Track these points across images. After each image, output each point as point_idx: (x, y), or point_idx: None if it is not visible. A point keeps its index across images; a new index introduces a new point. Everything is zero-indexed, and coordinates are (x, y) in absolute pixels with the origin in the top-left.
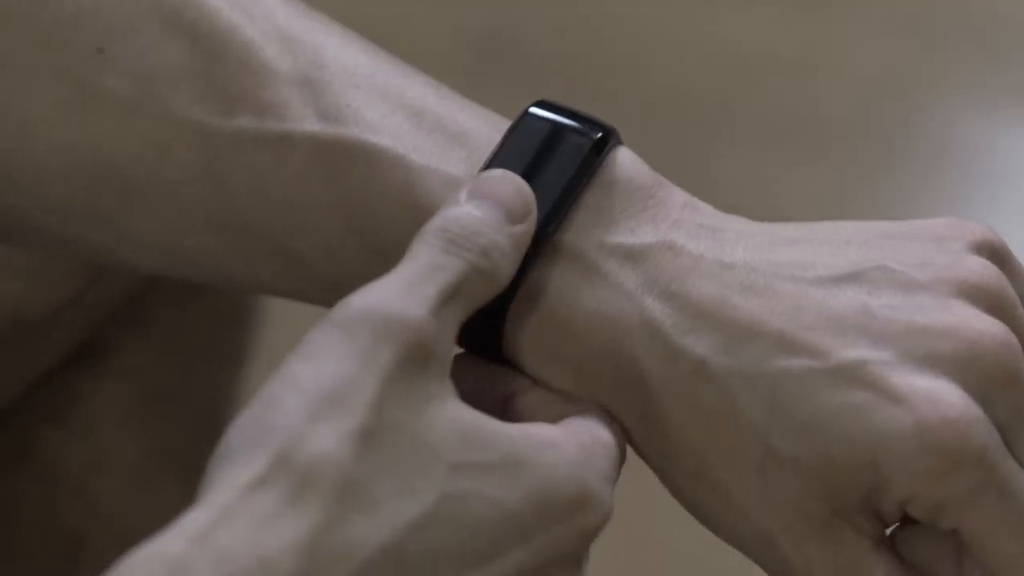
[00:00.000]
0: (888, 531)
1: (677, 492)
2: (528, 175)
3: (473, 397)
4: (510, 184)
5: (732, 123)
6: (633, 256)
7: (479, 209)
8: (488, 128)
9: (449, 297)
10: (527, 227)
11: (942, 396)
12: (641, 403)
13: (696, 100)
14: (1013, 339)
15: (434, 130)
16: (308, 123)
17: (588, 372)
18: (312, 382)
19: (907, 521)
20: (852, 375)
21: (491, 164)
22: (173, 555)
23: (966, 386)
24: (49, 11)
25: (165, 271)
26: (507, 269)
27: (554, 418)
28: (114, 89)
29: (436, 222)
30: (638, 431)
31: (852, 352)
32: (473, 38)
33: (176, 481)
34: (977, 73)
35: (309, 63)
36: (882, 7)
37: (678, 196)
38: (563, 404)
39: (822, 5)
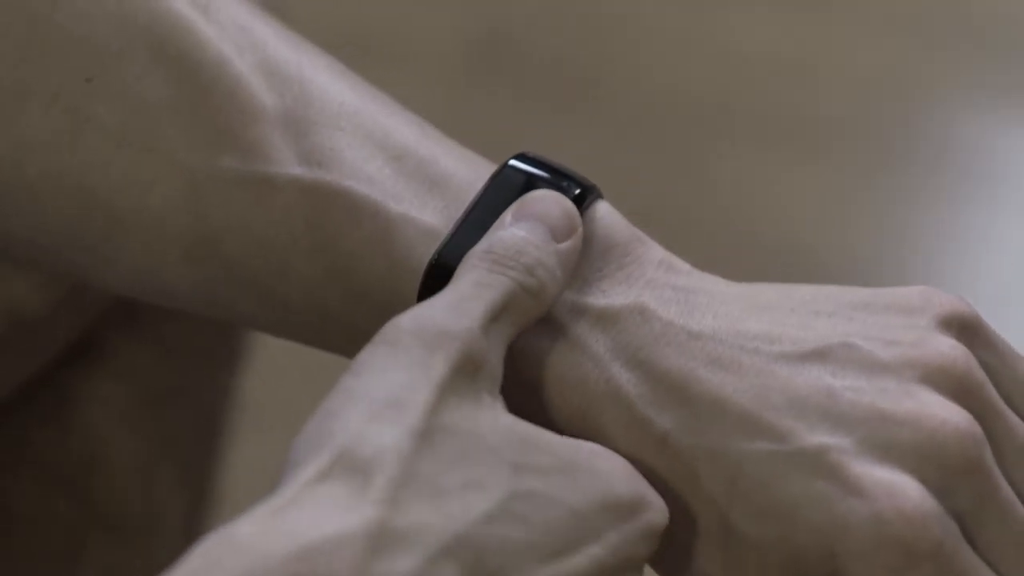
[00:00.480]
0: None
1: (652, 561)
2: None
3: None
4: (554, 203)
5: (732, 123)
6: (603, 319)
7: (523, 229)
8: (470, 173)
9: (496, 314)
10: (573, 243)
11: (900, 490)
12: None
13: (696, 100)
14: (975, 428)
15: (414, 175)
16: (290, 166)
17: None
18: (367, 391)
19: None
20: (813, 462)
21: (467, 218)
22: (246, 535)
23: (925, 477)
24: (39, 36)
25: (148, 299)
26: (552, 287)
27: None
28: (103, 119)
29: (481, 245)
30: None
31: (813, 438)
32: (472, 38)
33: (174, 481)
34: (977, 73)
35: (295, 100)
36: (882, 7)
37: (654, 253)
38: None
39: (822, 5)
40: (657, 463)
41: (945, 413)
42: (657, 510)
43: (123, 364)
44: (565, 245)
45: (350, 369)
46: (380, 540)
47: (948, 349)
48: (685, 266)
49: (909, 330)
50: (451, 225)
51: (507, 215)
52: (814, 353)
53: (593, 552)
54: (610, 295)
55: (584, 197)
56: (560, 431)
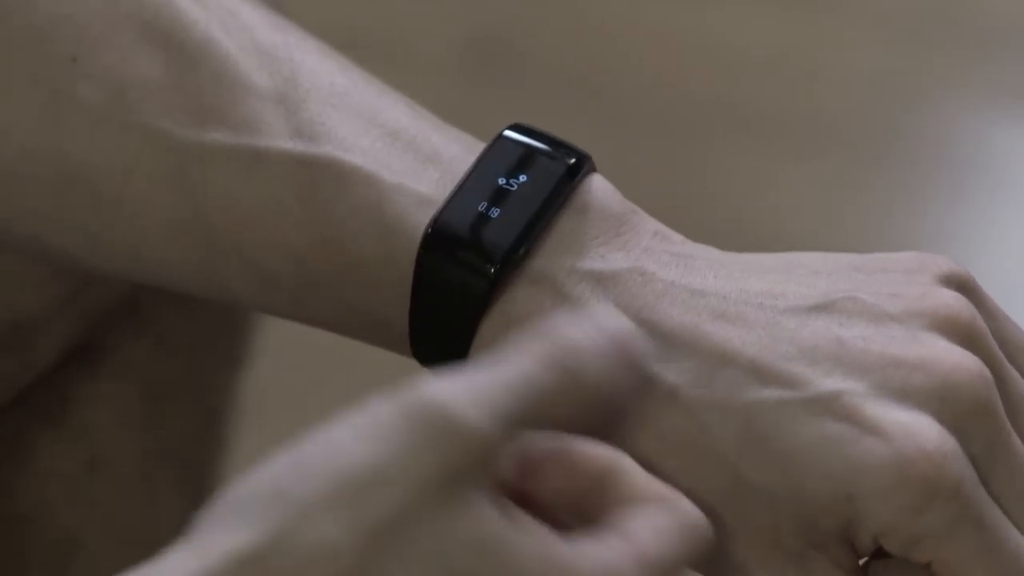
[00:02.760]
0: (861, 562)
1: None
2: (499, 198)
3: (554, 496)
4: (624, 328)
5: (732, 123)
6: (604, 281)
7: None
8: (462, 149)
9: (529, 419)
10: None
11: (919, 429)
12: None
13: (696, 99)
14: (986, 371)
15: (407, 149)
16: (281, 140)
17: None
18: (349, 458)
19: (880, 552)
20: (827, 406)
21: (463, 185)
22: None
23: (941, 419)
24: (23, 16)
25: (139, 280)
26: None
27: (640, 499)
28: (87, 98)
29: (544, 331)
30: None
31: (827, 383)
32: (472, 38)
33: (174, 481)
34: (977, 73)
35: (285, 80)
36: (882, 7)
37: (649, 224)
38: (647, 485)
39: (822, 5)
40: (666, 420)
41: (956, 357)
42: None
43: (124, 364)
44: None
45: (356, 415)
46: None
47: (952, 300)
48: (679, 236)
49: (912, 285)
50: (446, 195)
51: (588, 327)
52: (820, 306)
53: None
54: (609, 260)
55: (580, 166)
56: None
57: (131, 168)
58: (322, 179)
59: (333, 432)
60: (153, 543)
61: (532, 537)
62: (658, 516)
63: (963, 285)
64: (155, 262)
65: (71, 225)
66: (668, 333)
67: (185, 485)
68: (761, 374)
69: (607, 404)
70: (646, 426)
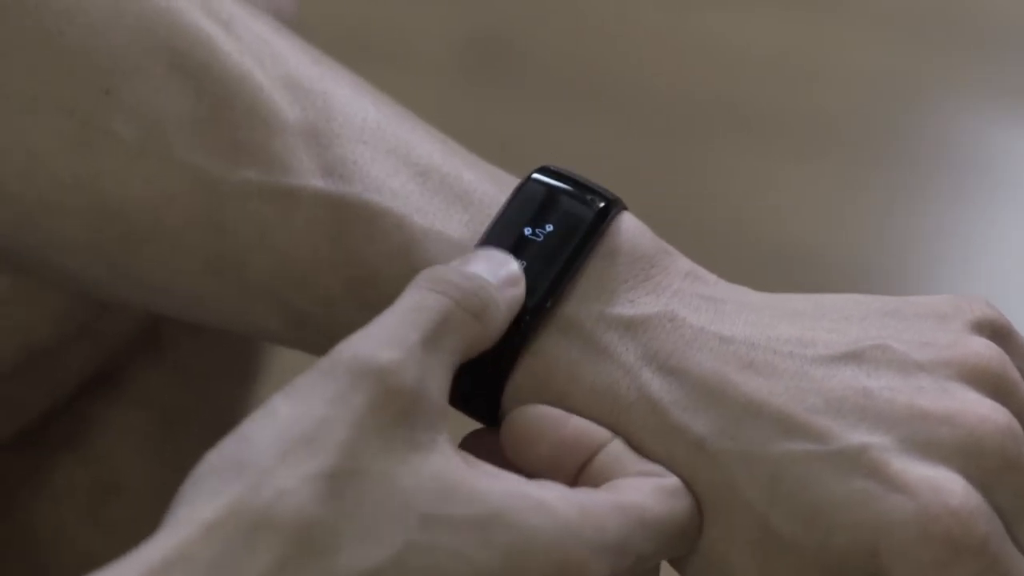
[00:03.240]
0: None
1: (680, 566)
2: (526, 247)
3: (547, 463)
4: (499, 256)
5: (732, 123)
6: (633, 327)
7: (469, 265)
8: (492, 187)
9: (433, 338)
10: (516, 292)
11: (944, 485)
12: None
13: (695, 100)
14: (1014, 424)
15: (438, 191)
16: (313, 178)
17: None
18: (287, 420)
19: None
20: (853, 461)
21: (492, 230)
22: None
23: (967, 474)
24: (56, 47)
25: (167, 313)
26: (497, 317)
27: (632, 474)
28: (119, 132)
29: (427, 269)
30: None
31: (853, 436)
32: (472, 38)
33: None
34: (977, 73)
35: (318, 114)
36: (882, 7)
37: (681, 265)
38: (641, 462)
39: (822, 5)
40: (693, 470)
41: (984, 410)
42: None
43: (141, 391)
44: (509, 292)
45: (283, 389)
46: None
47: (983, 348)
48: (712, 277)
49: (943, 333)
50: (476, 239)
51: (455, 261)
52: (848, 355)
53: None
54: (638, 305)
55: (608, 210)
56: None
57: (165, 203)
58: (353, 220)
59: (267, 405)
60: None
61: (499, 479)
62: (643, 482)
63: (997, 331)
64: (187, 298)
65: (104, 257)
66: (696, 381)
67: None
68: (788, 426)
69: (498, 316)
70: (673, 473)
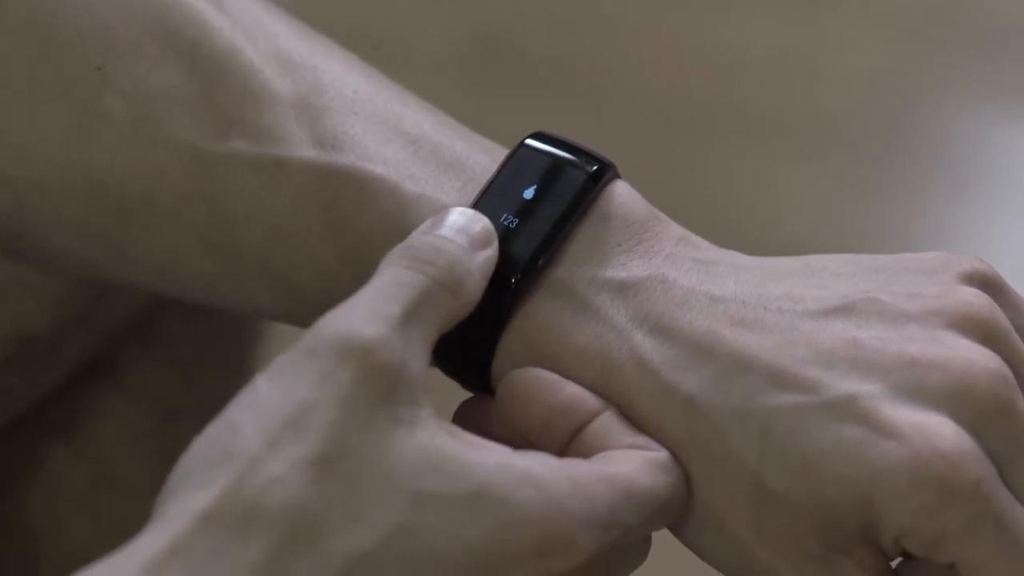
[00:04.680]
0: (893, 564)
1: (675, 528)
2: (519, 208)
3: (539, 426)
4: (469, 217)
5: (732, 123)
6: (624, 290)
7: (441, 233)
8: (484, 156)
9: (413, 314)
10: (490, 253)
11: (934, 429)
12: None
13: (695, 100)
14: (1005, 368)
15: (430, 158)
16: (304, 149)
17: None
18: (272, 404)
19: (909, 555)
20: (844, 410)
21: (484, 194)
22: None
23: (958, 418)
24: (49, 29)
25: (165, 292)
26: (472, 287)
27: (622, 446)
28: (112, 109)
29: (400, 244)
30: None
31: (843, 386)
32: (473, 38)
33: None
34: (977, 73)
35: (308, 88)
36: (882, 7)
37: (673, 231)
38: (632, 436)
39: (822, 5)
40: (685, 428)
41: (973, 355)
42: (566, 555)
43: (136, 381)
44: (483, 253)
45: (266, 370)
46: None
47: (972, 298)
48: (704, 243)
49: (932, 285)
50: (468, 204)
51: (424, 225)
52: (838, 308)
53: None
54: (630, 268)
55: (602, 174)
56: None
57: (158, 180)
58: (344, 189)
59: (252, 386)
60: None
61: (486, 450)
62: (634, 455)
63: (986, 282)
64: (183, 274)
65: (99, 236)
66: (687, 340)
67: None
68: (778, 379)
69: (472, 286)
70: (670, 434)
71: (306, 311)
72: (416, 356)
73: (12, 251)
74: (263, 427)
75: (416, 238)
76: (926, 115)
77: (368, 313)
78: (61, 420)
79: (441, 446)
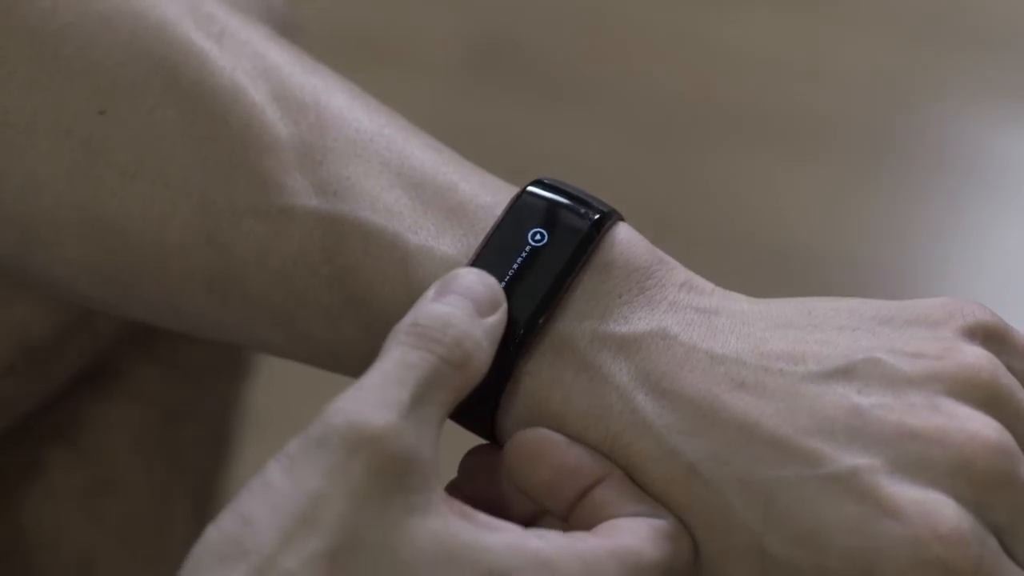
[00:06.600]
0: None
1: None
2: (522, 259)
3: (545, 487)
4: (478, 279)
5: (731, 124)
6: (626, 347)
7: (448, 304)
8: (488, 197)
9: (422, 396)
10: (499, 317)
11: (935, 509)
12: None
13: (695, 100)
14: (1005, 437)
15: (431, 204)
16: (306, 197)
17: None
18: (285, 496)
19: None
20: (845, 484)
21: (486, 246)
22: None
23: (958, 494)
24: (52, 70)
25: (176, 329)
26: (481, 359)
27: (628, 514)
28: (116, 152)
29: (407, 319)
30: None
31: (844, 459)
32: (473, 40)
33: (185, 496)
34: (977, 73)
35: (311, 128)
36: (882, 7)
37: (677, 275)
38: (637, 502)
39: (822, 5)
40: (689, 495)
41: (973, 426)
42: None
43: (137, 387)
44: (491, 319)
45: (278, 458)
46: None
47: (973, 359)
48: (708, 286)
49: (934, 342)
50: (470, 254)
51: (430, 291)
52: (839, 371)
53: None
54: (632, 321)
55: (603, 222)
56: None
57: (162, 223)
58: (347, 238)
59: (264, 476)
60: (166, 561)
61: (498, 532)
62: (641, 525)
63: (989, 334)
64: (188, 315)
65: (106, 277)
66: (688, 404)
67: (198, 504)
68: (780, 450)
69: (482, 357)
70: (674, 497)
71: (311, 350)
72: (426, 440)
73: (28, 285)
74: (276, 521)
75: (422, 311)
76: (926, 116)
77: (377, 400)
78: (62, 425)
79: (456, 532)
